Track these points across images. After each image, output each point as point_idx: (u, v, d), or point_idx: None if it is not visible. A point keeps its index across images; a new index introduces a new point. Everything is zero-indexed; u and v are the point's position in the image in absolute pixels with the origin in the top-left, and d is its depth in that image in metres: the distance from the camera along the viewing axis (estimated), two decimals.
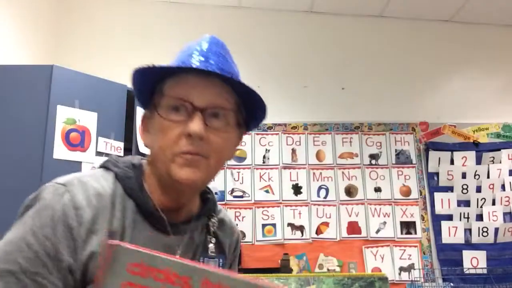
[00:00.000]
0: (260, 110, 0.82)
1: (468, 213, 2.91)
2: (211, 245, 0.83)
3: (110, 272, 0.56)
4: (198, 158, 0.72)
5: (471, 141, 3.02)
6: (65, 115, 1.97)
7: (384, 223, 2.91)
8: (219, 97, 0.75)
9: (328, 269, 2.80)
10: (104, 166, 0.79)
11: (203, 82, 0.74)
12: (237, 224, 0.98)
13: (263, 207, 2.89)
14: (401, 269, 2.84)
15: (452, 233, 2.89)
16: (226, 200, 2.86)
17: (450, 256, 2.86)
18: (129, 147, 2.17)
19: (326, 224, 2.89)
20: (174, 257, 0.57)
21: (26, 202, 0.71)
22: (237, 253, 0.96)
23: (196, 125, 0.71)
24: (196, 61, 0.74)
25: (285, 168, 2.97)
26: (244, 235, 2.81)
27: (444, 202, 2.94)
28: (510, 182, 2.96)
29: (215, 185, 2.85)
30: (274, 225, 2.86)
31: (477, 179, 2.97)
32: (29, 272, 0.63)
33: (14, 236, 0.66)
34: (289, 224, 2.87)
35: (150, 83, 0.77)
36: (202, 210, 0.84)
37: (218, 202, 0.95)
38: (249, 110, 0.82)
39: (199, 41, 0.79)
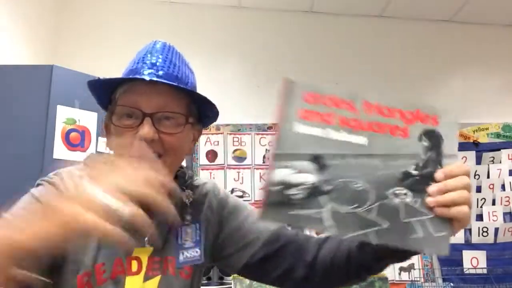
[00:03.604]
0: (210, 107, 0.88)
1: None
2: (187, 216, 0.91)
3: (288, 102, 0.66)
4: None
5: (471, 141, 3.02)
6: (65, 115, 1.97)
7: None
8: (167, 102, 0.81)
9: None
10: (85, 162, 0.88)
11: (151, 90, 0.80)
12: None
13: None
14: (401, 269, 2.83)
15: None
16: None
17: (450, 256, 2.85)
18: None
19: None
20: (333, 89, 0.68)
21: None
22: (230, 209, 0.98)
23: (145, 129, 0.78)
24: (144, 71, 0.81)
25: None
26: None
27: None
28: (510, 182, 2.96)
29: None
30: None
31: (477, 179, 2.97)
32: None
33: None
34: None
35: (105, 92, 0.86)
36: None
37: None
38: (203, 107, 0.88)
39: (149, 49, 0.86)
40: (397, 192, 0.65)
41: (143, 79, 0.80)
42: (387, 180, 0.65)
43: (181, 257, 0.89)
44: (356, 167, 0.65)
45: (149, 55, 0.84)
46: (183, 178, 0.94)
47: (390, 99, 0.68)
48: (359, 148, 0.66)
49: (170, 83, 0.80)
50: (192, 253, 0.90)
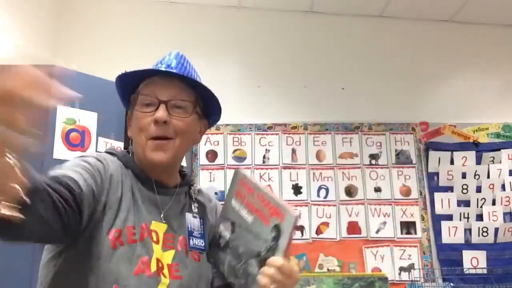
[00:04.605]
0: (215, 104, 1.09)
1: (468, 213, 2.91)
2: (194, 209, 1.10)
3: (232, 183, 1.03)
4: (165, 142, 0.99)
5: (471, 141, 3.02)
6: (65, 115, 1.97)
7: (384, 223, 2.91)
8: (179, 93, 1.02)
9: (328, 269, 2.80)
10: (107, 152, 1.06)
11: (166, 82, 1.02)
12: None
13: None
14: (401, 269, 2.83)
15: (452, 233, 2.88)
16: None
17: (450, 256, 2.86)
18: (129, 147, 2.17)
19: (326, 224, 2.89)
20: (253, 180, 1.01)
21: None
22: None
23: (160, 112, 0.98)
24: (162, 67, 1.02)
25: (285, 168, 2.97)
26: None
27: (444, 202, 2.94)
28: (510, 182, 2.96)
29: (215, 185, 2.86)
30: None
31: (477, 179, 2.97)
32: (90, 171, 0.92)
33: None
34: None
35: (130, 87, 1.07)
36: (184, 181, 1.12)
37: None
38: (208, 106, 1.10)
39: (165, 56, 1.06)
40: (252, 262, 0.95)
41: (161, 74, 1.01)
42: (252, 252, 0.95)
43: (191, 242, 1.05)
44: (244, 236, 0.98)
45: (166, 59, 1.04)
46: (189, 176, 1.14)
47: (270, 195, 0.95)
48: (247, 224, 0.98)
49: (182, 74, 1.00)
50: (198, 242, 1.06)
